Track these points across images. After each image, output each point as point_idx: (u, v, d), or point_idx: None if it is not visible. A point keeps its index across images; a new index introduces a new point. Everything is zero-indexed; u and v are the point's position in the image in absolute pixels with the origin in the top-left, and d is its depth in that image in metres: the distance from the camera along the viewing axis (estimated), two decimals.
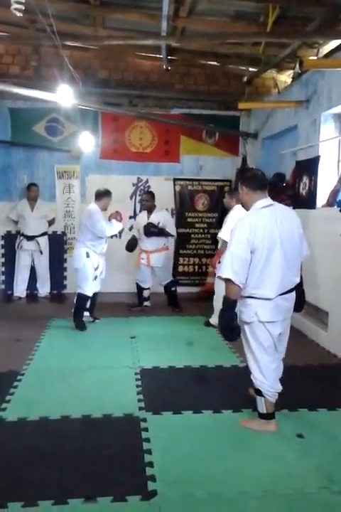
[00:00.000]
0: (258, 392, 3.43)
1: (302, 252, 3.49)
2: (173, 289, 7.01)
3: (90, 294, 5.95)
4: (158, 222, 6.67)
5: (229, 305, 3.28)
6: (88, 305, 6.18)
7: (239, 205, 5.83)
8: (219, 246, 6.06)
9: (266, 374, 3.37)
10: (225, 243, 5.74)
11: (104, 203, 5.96)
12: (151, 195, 6.97)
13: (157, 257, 6.74)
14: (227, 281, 3.23)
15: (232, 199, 5.95)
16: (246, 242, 3.18)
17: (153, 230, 6.65)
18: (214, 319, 5.94)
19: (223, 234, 5.74)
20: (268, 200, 3.38)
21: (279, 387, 3.45)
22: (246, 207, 3.46)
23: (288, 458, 3.13)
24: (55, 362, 4.86)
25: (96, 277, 5.96)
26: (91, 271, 5.87)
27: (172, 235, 6.92)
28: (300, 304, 3.62)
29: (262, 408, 3.44)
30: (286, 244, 3.27)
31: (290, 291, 3.38)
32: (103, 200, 5.95)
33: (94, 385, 4.25)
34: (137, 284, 7.01)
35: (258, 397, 3.45)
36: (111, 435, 3.38)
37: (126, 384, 4.28)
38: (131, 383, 4.29)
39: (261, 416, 3.48)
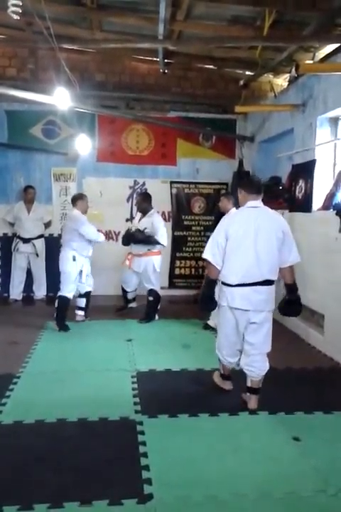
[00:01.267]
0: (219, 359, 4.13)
1: (289, 258, 3.76)
2: (150, 298, 6.48)
3: (70, 296, 6.08)
4: (145, 228, 6.31)
5: (208, 282, 3.95)
6: (83, 304, 6.42)
7: (234, 209, 5.82)
8: None
9: (222, 347, 4.02)
10: None
11: (81, 206, 6.14)
12: (143, 196, 6.70)
13: (138, 262, 6.38)
14: (207, 261, 3.86)
15: (229, 202, 5.85)
16: (223, 230, 3.76)
17: (138, 237, 6.32)
18: (212, 321, 5.94)
19: None
20: (256, 203, 3.79)
21: (233, 361, 4.03)
22: (241, 206, 3.91)
23: (284, 461, 3.13)
24: (52, 365, 4.85)
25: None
26: (75, 274, 6.05)
27: (160, 244, 6.30)
28: (291, 307, 3.94)
29: (221, 370, 4.21)
30: (260, 242, 3.65)
31: (263, 284, 3.69)
32: (79, 204, 6.14)
33: (91, 388, 4.25)
34: (122, 286, 6.81)
35: (219, 361, 4.16)
36: (108, 438, 3.38)
37: (122, 387, 4.28)
38: (127, 386, 4.29)
39: (221, 375, 4.22)
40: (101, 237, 6.27)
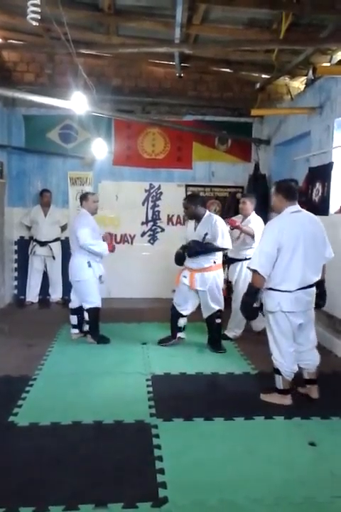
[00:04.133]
0: (277, 371, 3.96)
1: (325, 255, 3.96)
2: (218, 321, 5.40)
3: (100, 305, 5.61)
4: (206, 234, 5.21)
5: (252, 291, 3.90)
6: (76, 321, 5.74)
7: (253, 212, 5.71)
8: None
9: (285, 356, 3.91)
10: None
11: (86, 207, 5.58)
12: (190, 199, 5.54)
13: (202, 279, 5.25)
14: (254, 271, 3.79)
15: (252, 204, 5.76)
16: (274, 241, 3.72)
17: (197, 250, 5.21)
18: (230, 332, 5.86)
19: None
20: (297, 207, 3.90)
21: (296, 368, 3.97)
22: (278, 211, 3.94)
23: (300, 466, 3.10)
24: (67, 367, 4.89)
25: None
26: (95, 280, 5.56)
27: (222, 249, 5.29)
28: (322, 300, 4.14)
29: (280, 385, 3.98)
30: (308, 247, 3.77)
31: (310, 286, 3.86)
32: (84, 205, 5.60)
33: (106, 391, 4.26)
34: (172, 309, 5.56)
35: (276, 376, 3.98)
36: (123, 441, 3.39)
37: (137, 390, 4.29)
38: (142, 389, 4.30)
39: (279, 391, 3.99)
40: (99, 247, 5.47)
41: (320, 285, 4.02)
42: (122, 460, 3.12)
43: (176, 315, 5.51)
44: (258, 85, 7.31)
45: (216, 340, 5.46)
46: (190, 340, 5.80)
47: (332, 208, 5.64)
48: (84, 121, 7.41)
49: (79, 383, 4.43)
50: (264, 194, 7.25)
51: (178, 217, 8.27)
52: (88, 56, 6.97)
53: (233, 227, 5.55)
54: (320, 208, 5.81)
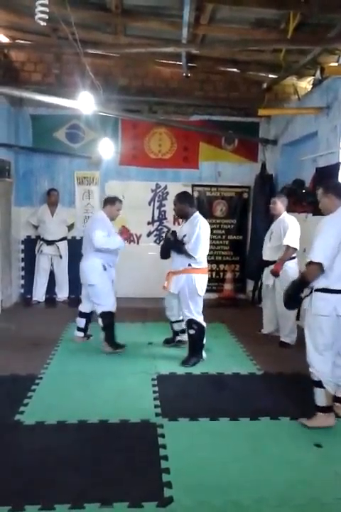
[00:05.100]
0: (319, 384, 3.53)
1: None
2: (191, 331, 4.99)
3: (114, 309, 5.34)
4: (184, 236, 5.04)
5: (300, 284, 3.65)
6: (83, 324, 5.63)
7: (285, 212, 5.62)
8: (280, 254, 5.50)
9: (325, 367, 3.51)
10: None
11: (108, 210, 5.40)
12: (179, 196, 5.24)
13: (176, 281, 5.02)
14: (313, 264, 3.47)
15: (283, 203, 5.71)
16: (338, 234, 3.44)
17: (169, 243, 5.17)
18: (287, 338, 5.60)
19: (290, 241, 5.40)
20: None
21: (336, 380, 3.59)
22: (329, 211, 3.65)
23: (305, 467, 3.10)
24: (73, 366, 4.90)
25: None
26: (109, 284, 5.34)
27: (187, 254, 4.92)
28: None
29: (322, 401, 3.54)
30: None
31: None
32: (106, 208, 5.42)
33: (112, 390, 4.27)
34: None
35: (318, 390, 3.54)
36: (128, 441, 3.39)
37: (143, 390, 4.30)
38: (147, 389, 4.30)
39: (321, 410, 3.56)
40: (114, 243, 5.27)
41: None
42: (127, 459, 3.12)
43: (169, 319, 5.48)
44: (265, 85, 7.28)
45: (189, 353, 5.03)
46: None
47: None
48: (91, 121, 7.44)
49: (85, 382, 4.45)
50: (271, 194, 7.23)
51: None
52: (95, 56, 6.97)
53: (278, 274, 5.47)
54: None
